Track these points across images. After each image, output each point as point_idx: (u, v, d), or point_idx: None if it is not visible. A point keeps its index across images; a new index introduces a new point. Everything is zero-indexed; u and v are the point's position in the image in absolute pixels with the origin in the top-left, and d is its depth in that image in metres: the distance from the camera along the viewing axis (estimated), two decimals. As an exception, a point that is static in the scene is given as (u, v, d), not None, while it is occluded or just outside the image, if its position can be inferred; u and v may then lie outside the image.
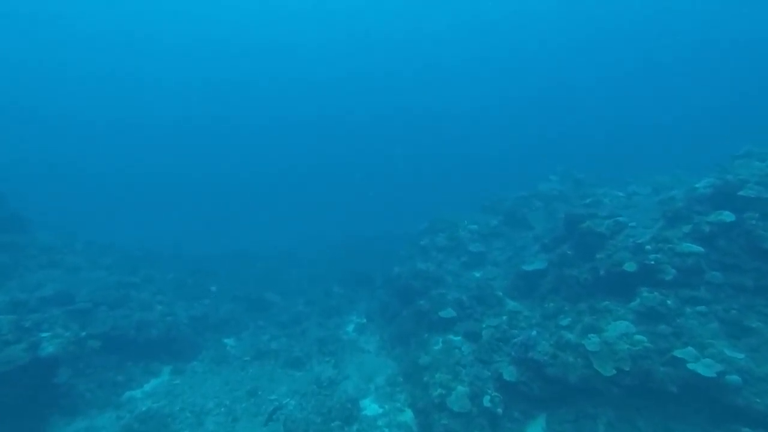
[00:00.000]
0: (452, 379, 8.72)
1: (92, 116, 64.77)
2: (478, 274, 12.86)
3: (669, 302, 7.52)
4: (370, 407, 9.95)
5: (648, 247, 8.48)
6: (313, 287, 20.23)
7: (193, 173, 71.44)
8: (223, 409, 9.94)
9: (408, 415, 9.33)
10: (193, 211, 56.51)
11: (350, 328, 14.46)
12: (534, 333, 8.66)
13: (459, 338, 10.35)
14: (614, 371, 7.00)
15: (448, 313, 10.87)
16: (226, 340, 13.88)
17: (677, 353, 6.81)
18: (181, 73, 62.06)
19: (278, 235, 37.57)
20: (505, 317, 10.28)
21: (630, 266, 8.44)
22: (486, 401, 7.90)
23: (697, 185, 8.86)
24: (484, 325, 10.26)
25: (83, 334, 10.04)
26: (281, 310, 16.43)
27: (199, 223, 47.09)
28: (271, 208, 57.04)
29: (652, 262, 8.12)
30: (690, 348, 6.83)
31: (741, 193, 7.82)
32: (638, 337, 7.33)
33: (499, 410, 7.77)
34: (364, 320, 14.57)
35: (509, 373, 8.25)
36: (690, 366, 6.54)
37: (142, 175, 66.70)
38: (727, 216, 7.78)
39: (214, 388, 10.90)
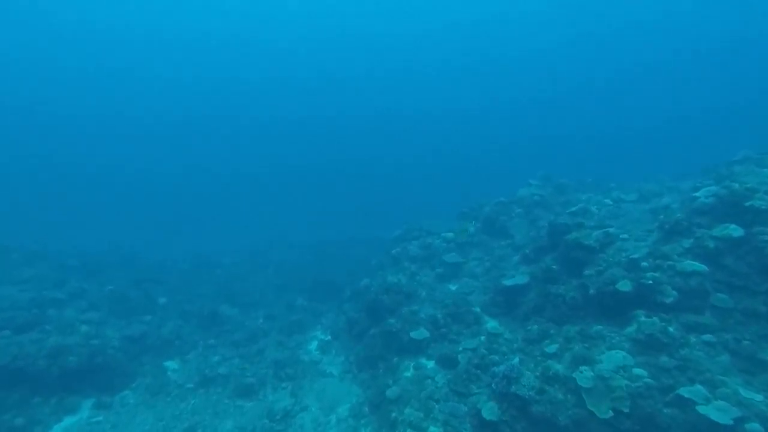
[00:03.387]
0: (424, 417, 7.42)
1: (52, 110, 59.94)
2: (453, 288, 11.68)
3: (671, 329, 6.51)
4: (329, 447, 8.53)
5: (644, 263, 7.50)
6: (277, 298, 18.55)
7: (159, 173, 67.71)
8: (149, 456, 8.26)
9: (372, 458, 7.98)
10: (157, 212, 53.20)
11: (313, 346, 12.95)
12: (516, 361, 7.49)
13: (432, 364, 9.09)
14: (611, 413, 5.90)
15: (421, 333, 9.60)
16: (167, 364, 12.07)
17: (684, 392, 5.77)
18: (154, 71, 58.30)
19: (245, 237, 35.41)
20: (483, 337, 9.12)
21: (624, 285, 7.42)
22: (462, 448, 6.64)
23: (696, 194, 7.98)
24: (460, 348, 9.05)
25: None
26: (237, 326, 14.69)
27: (162, 225, 44.15)
28: (241, 209, 54.51)
29: (650, 282, 7.12)
30: (698, 386, 5.81)
31: (749, 203, 6.94)
32: (637, 370, 6.27)
33: (478, 458, 6.55)
34: (329, 337, 13.10)
35: (489, 410, 7.02)
36: (701, 409, 5.50)
37: (103, 175, 62.55)
38: (735, 230, 6.88)
39: (143, 426, 9.15)
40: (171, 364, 12.09)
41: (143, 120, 65.09)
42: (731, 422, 5.25)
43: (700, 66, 54.90)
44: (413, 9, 51.77)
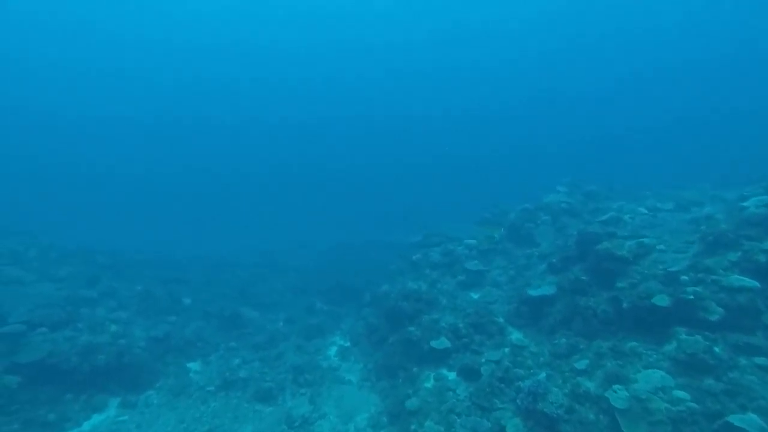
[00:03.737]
0: (445, 431, 7.15)
1: (71, 113, 62.89)
2: (476, 296, 11.33)
3: (717, 350, 6.01)
4: (348, 457, 8.37)
5: (684, 277, 6.99)
6: (296, 300, 18.68)
7: (182, 174, 69.89)
8: (170, 458, 8.35)
9: (391, 471, 7.77)
10: (180, 212, 54.90)
11: (332, 351, 12.88)
12: (543, 376, 7.12)
13: (453, 375, 8.79)
14: (649, 438, 5.47)
15: (442, 343, 9.32)
16: (190, 365, 12.26)
17: (734, 420, 5.28)
18: (166, 73, 60.30)
19: (266, 239, 36.02)
20: (507, 349, 8.76)
21: (661, 300, 6.94)
22: (486, 467, 6.34)
23: (745, 204, 7.38)
24: (483, 360, 8.72)
25: (7, 363, 8.40)
26: (257, 328, 14.82)
27: (185, 225, 45.50)
28: (260, 210, 55.45)
29: (691, 297, 6.62)
30: (752, 415, 5.31)
31: (804, 214, 6.36)
32: (678, 393, 5.81)
33: (502, 479, 6.23)
34: (348, 343, 12.99)
35: (514, 427, 6.69)
36: (753, 440, 5.02)
37: (127, 176, 65.06)
38: (789, 243, 6.31)
39: (165, 428, 9.27)
40: (193, 366, 12.28)
41: (164, 122, 67.35)
42: (788, 456, 4.76)
43: (728, 68, 51.97)
44: (424, 11, 51.47)
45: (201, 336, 13.72)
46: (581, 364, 6.95)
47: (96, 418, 9.40)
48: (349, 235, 29.91)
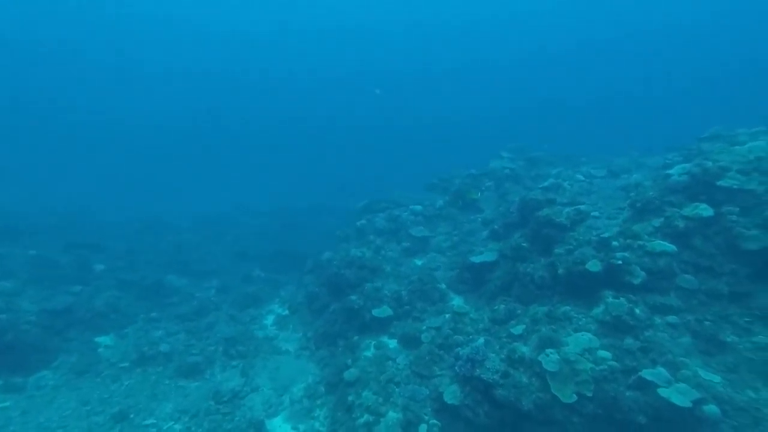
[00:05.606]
0: (383, 401, 6.98)
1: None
2: (420, 263, 11.20)
3: (638, 311, 6.35)
4: (281, 429, 7.96)
5: (615, 243, 7.27)
6: (233, 267, 17.41)
7: (115, 125, 61.17)
8: (68, 446, 7.30)
9: (326, 441, 7.52)
10: (107, 169, 48.47)
11: (269, 320, 12.19)
12: (482, 342, 7.15)
13: (394, 343, 8.65)
14: (575, 397, 5.69)
15: (384, 311, 9.08)
16: (100, 339, 10.83)
17: (646, 374, 5.64)
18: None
19: (207, 202, 33.15)
20: (448, 316, 8.77)
21: (594, 265, 7.17)
22: (422, 432, 6.29)
23: (670, 171, 7.76)
24: (424, 327, 8.65)
25: None
26: (185, 297, 13.54)
27: (112, 184, 40.25)
28: (199, 171, 50.88)
29: (620, 262, 6.90)
30: (660, 368, 5.70)
31: (721, 183, 6.78)
32: (602, 353, 6.08)
33: (437, 443, 6.23)
34: (287, 312, 12.34)
35: (451, 393, 6.69)
36: (662, 392, 5.39)
37: (51, 126, 55.46)
38: (705, 210, 6.74)
39: (62, 412, 8.06)
40: (104, 340, 10.87)
41: (100, 63, 57.55)
42: (690, 405, 5.17)
43: (673, 41, 56.15)
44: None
45: (115, 307, 12.14)
46: (518, 330, 7.06)
47: (-31, 408, 7.90)
48: (294, 199, 28.42)
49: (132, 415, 8.12)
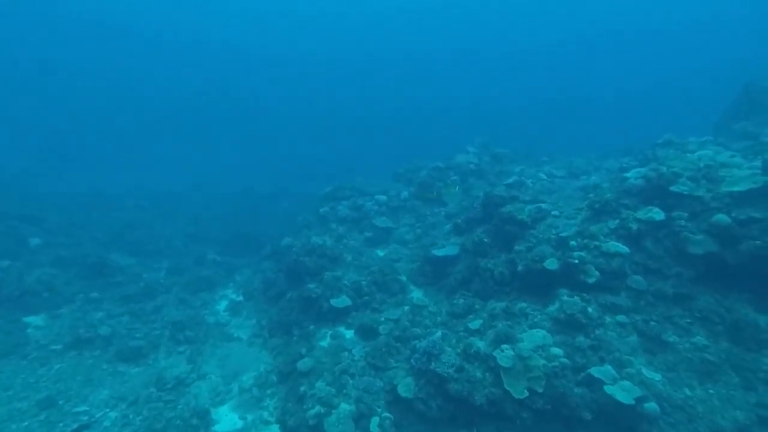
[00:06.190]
0: (336, 393, 6.78)
1: None
2: (381, 254, 11.03)
3: (590, 309, 6.51)
4: (227, 418, 7.59)
5: (573, 242, 7.40)
6: (186, 249, 16.52)
7: (66, 87, 55.96)
8: (-19, 438, 6.58)
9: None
10: (54, 135, 44.40)
11: (222, 306, 11.62)
12: (439, 336, 7.10)
13: (351, 334, 8.45)
14: (526, 393, 5.75)
15: (342, 301, 8.84)
16: (29, 319, 9.89)
17: (594, 372, 5.80)
18: None
19: (164, 178, 31.18)
20: (407, 308, 8.67)
21: (551, 264, 7.29)
22: (374, 426, 6.15)
23: (627, 175, 7.99)
24: (382, 318, 8.50)
25: None
26: (131, 278, 12.64)
27: (58, 152, 36.85)
28: (163, 146, 47.75)
29: (576, 261, 7.04)
30: (608, 366, 5.88)
31: (673, 188, 7.04)
32: (555, 350, 6.18)
33: (388, 436, 6.13)
34: (241, 298, 11.83)
35: (405, 386, 6.60)
36: (607, 389, 5.55)
37: None
38: (657, 213, 6.98)
39: (-24, 400, 7.26)
40: (34, 320, 9.93)
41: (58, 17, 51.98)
42: (633, 402, 5.36)
43: (638, 47, 58.87)
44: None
45: (50, 285, 11.13)
46: (475, 324, 7.06)
47: None
48: (257, 182, 27.32)
49: (61, 402, 7.45)
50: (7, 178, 24.49)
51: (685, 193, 6.99)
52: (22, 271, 11.18)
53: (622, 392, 5.49)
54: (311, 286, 9.26)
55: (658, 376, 5.77)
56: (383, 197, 12.68)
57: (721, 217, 6.21)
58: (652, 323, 6.35)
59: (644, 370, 5.84)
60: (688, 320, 6.12)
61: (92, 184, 25.69)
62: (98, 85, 59.25)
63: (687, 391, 5.38)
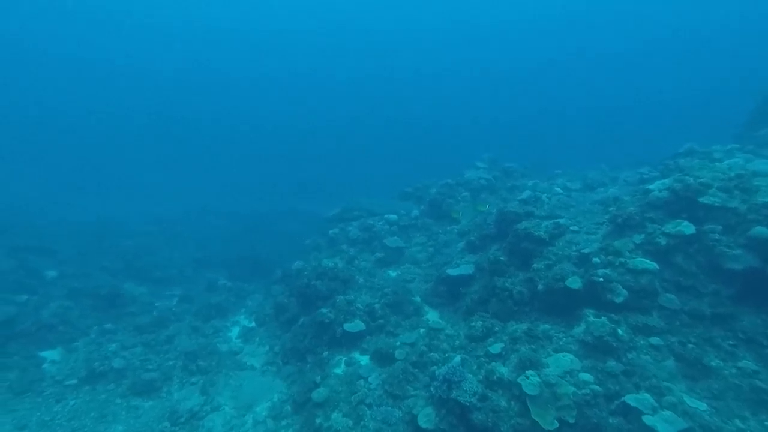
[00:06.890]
0: (353, 425, 6.46)
1: None
2: (394, 274, 10.76)
3: (620, 331, 6.10)
4: (241, 454, 7.30)
5: (596, 259, 7.04)
6: (196, 275, 16.50)
7: (71, 119, 58.15)
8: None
9: (291, 469, 6.92)
10: (62, 166, 45.84)
11: (234, 333, 11.43)
12: (458, 361, 6.75)
13: (366, 360, 8.13)
14: (556, 423, 5.35)
15: (356, 326, 8.57)
16: (45, 354, 9.85)
17: (630, 400, 5.38)
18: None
19: (170, 204, 31.65)
20: (423, 330, 8.34)
21: (574, 282, 6.93)
22: (393, 462, 5.80)
23: (651, 187, 7.65)
24: (397, 343, 8.18)
25: None
26: (144, 307, 12.60)
27: (66, 182, 37.95)
28: (161, 172, 48.80)
29: (601, 279, 6.67)
30: (645, 394, 5.44)
31: (702, 200, 6.67)
32: (584, 375, 5.79)
33: (410, 473, 5.76)
34: (253, 324, 11.63)
35: (426, 416, 6.24)
36: (647, 420, 5.12)
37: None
38: (687, 227, 6.59)
39: (-7, 441, 7.16)
40: (50, 355, 9.89)
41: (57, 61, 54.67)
42: (677, 435, 4.92)
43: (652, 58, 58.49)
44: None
45: (65, 318, 11.12)
46: (496, 348, 6.70)
47: None
48: (263, 204, 27.46)
49: (75, 441, 7.28)
50: (19, 207, 25.13)
51: (716, 204, 6.60)
52: (38, 305, 11.23)
53: (664, 423, 5.05)
54: (324, 310, 9.03)
55: (703, 406, 5.29)
56: (393, 216, 12.48)
57: (761, 230, 5.80)
58: (690, 346, 5.89)
59: (687, 399, 5.37)
60: (732, 342, 5.66)
61: (101, 212, 26.18)
62: (99, 117, 61.12)
63: (739, 423, 4.90)
